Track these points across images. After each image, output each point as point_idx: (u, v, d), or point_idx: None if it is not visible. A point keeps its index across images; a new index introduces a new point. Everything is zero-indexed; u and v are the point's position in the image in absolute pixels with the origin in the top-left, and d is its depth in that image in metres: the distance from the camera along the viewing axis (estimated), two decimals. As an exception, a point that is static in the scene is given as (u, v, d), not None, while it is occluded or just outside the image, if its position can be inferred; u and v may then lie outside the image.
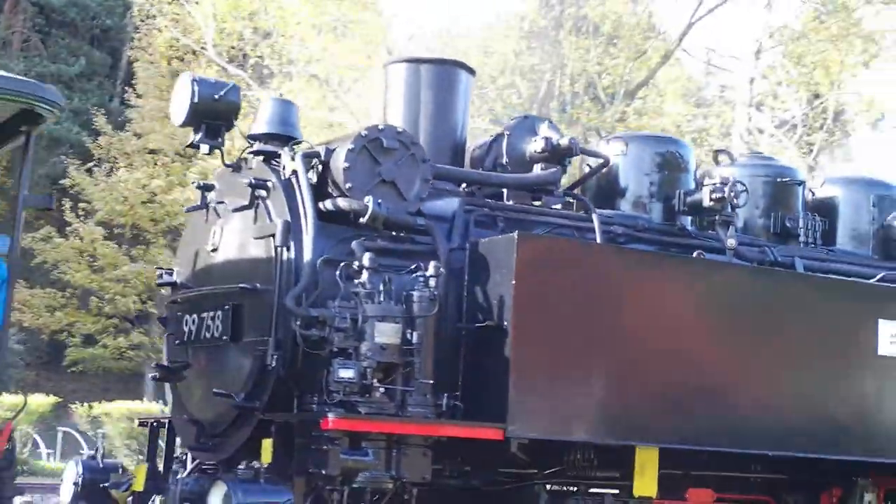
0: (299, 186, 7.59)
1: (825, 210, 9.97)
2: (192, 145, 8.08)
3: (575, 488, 8.13)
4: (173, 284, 8.57)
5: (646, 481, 8.06)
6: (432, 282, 7.32)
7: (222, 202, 8.12)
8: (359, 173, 7.59)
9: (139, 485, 7.85)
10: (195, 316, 8.05)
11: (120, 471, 8.27)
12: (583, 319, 7.63)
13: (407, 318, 7.21)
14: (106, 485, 8.11)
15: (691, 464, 8.45)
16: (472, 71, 8.90)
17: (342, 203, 7.53)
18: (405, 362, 7.18)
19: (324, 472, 6.86)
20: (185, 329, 8.17)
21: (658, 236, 8.87)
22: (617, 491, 8.16)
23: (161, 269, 8.76)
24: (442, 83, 8.62)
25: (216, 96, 7.85)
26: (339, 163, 7.59)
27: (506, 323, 7.36)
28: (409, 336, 7.17)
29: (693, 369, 8.04)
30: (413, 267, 7.48)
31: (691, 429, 8.05)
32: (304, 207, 7.50)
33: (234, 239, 7.90)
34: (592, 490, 8.21)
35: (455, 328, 7.61)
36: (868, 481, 9.04)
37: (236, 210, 7.83)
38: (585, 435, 7.67)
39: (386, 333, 7.14)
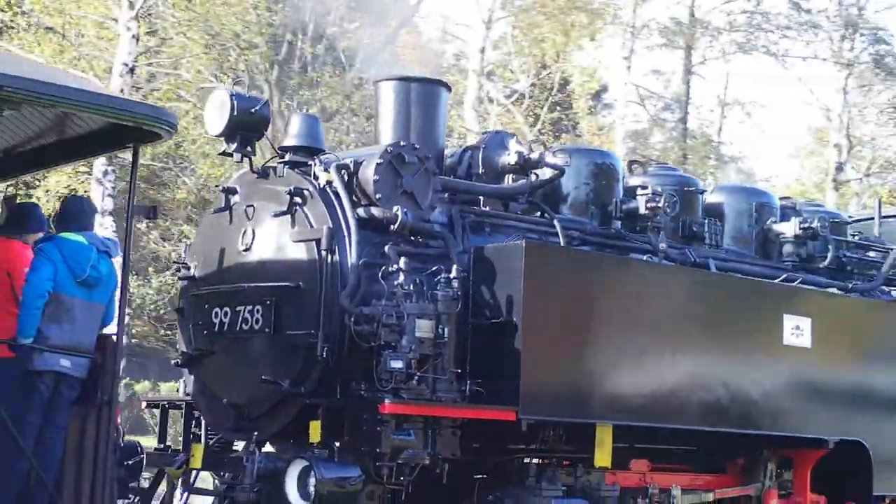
0: (337, 196, 8.48)
1: (715, 215, 11.44)
2: (225, 153, 8.80)
3: (547, 461, 9.36)
4: (191, 278, 9.26)
5: (603, 454, 9.28)
6: (455, 283, 8.38)
7: (251, 206, 8.88)
8: (385, 185, 8.55)
9: (197, 462, 8.56)
10: (227, 309, 8.80)
11: (139, 450, 8.93)
12: (572, 316, 8.82)
13: (435, 315, 8.25)
14: (128, 462, 8.78)
15: (634, 439, 9.76)
16: (449, 88, 9.93)
17: (375, 212, 8.48)
18: (436, 354, 8.22)
19: (378, 450, 7.83)
20: (216, 321, 8.89)
21: (601, 239, 10.10)
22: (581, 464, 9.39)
23: (177, 262, 9.43)
24: (428, 99, 9.56)
25: (252, 110, 8.62)
26: (368, 175, 8.53)
27: (515, 319, 8.46)
28: (440, 331, 8.21)
29: (640, 358, 9.28)
30: (434, 269, 8.50)
31: (635, 409, 9.31)
32: (344, 215, 8.40)
33: (269, 241, 8.68)
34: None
35: (465, 323, 8.63)
36: (771, 452, 10.57)
37: (276, 215, 8.60)
38: (578, 416, 8.87)
39: (424, 329, 8.12)
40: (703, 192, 11.22)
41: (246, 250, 8.82)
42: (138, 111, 6.94)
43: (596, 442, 9.23)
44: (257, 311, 8.59)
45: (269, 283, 8.53)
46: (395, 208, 8.49)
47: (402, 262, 8.25)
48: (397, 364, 7.94)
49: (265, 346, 8.59)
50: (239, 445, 9.09)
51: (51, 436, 7.52)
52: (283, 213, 8.59)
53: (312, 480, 7.62)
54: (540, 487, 8.79)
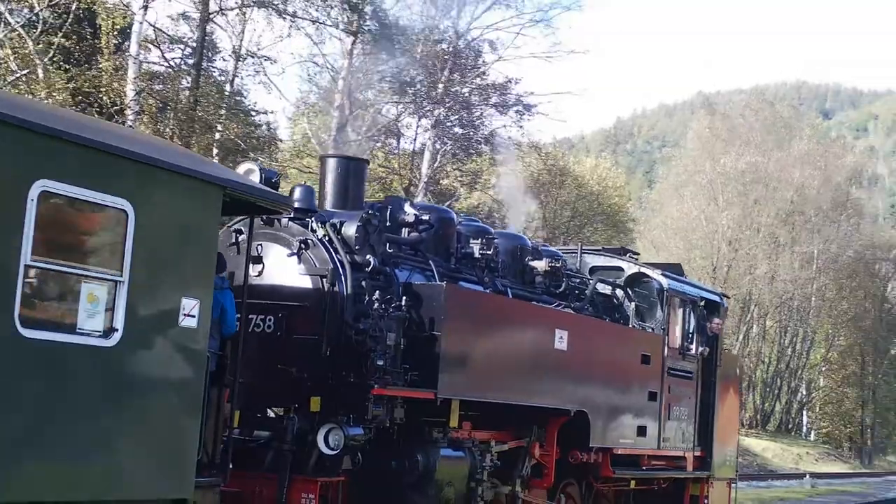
0: (333, 245, 11.69)
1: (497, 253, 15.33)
2: None
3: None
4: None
5: (455, 419, 13.03)
6: (403, 308, 11.83)
7: (260, 244, 11.85)
8: (361, 239, 11.89)
9: (235, 423, 11.38)
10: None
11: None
12: (465, 331, 12.49)
13: (395, 329, 11.67)
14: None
15: (466, 408, 13.50)
16: (368, 162, 13.28)
17: (357, 258, 11.78)
18: (395, 355, 11.66)
19: (366, 417, 11.22)
20: (230, 323, 11.75)
21: (450, 273, 13.76)
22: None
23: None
24: (358, 173, 12.94)
25: (273, 180, 11.58)
26: (351, 232, 11.86)
27: (437, 333, 12.01)
28: (398, 340, 11.66)
29: (481, 356, 13.08)
30: (388, 297, 11.89)
31: (474, 388, 13.07)
32: (340, 259, 11.64)
33: (278, 272, 11.72)
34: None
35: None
36: (535, 427, 14.56)
37: (290, 255, 11.66)
38: (462, 395, 12.55)
39: (391, 339, 11.56)
40: (495, 238, 15.08)
41: (258, 276, 11.81)
42: (280, 200, 9.98)
43: (451, 411, 12.95)
44: (269, 319, 11.64)
45: (283, 302, 11.60)
46: (367, 256, 11.84)
47: (377, 293, 11.62)
48: (381, 362, 11.35)
49: (276, 344, 11.64)
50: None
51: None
52: (294, 255, 11.68)
53: (334, 436, 10.91)
54: (434, 440, 12.42)
